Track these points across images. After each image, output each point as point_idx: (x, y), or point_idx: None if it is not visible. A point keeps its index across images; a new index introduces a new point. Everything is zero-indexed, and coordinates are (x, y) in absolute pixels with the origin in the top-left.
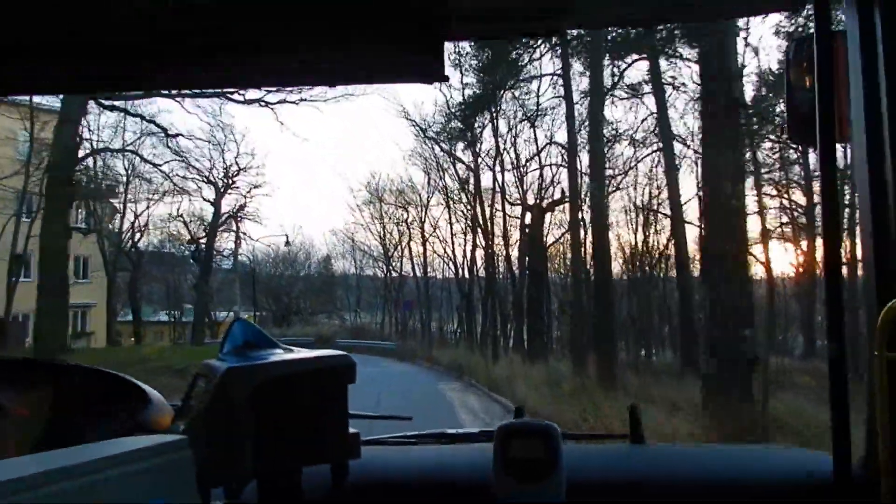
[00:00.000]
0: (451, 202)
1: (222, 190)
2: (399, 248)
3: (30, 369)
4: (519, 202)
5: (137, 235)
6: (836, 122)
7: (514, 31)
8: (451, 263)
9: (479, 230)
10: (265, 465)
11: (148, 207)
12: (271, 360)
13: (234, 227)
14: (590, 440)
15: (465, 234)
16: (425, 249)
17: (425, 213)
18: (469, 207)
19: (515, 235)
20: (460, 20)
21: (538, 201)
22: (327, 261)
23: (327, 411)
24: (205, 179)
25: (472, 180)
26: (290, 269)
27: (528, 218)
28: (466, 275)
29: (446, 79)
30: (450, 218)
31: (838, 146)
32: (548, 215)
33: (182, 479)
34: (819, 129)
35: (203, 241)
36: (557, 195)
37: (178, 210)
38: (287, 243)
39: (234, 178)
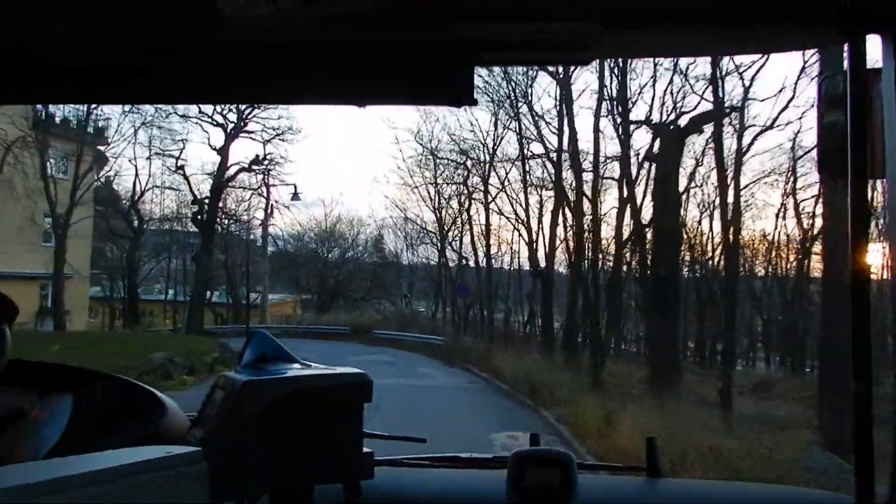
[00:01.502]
0: (524, 138)
1: (231, 133)
2: (459, 219)
3: (50, 374)
4: (639, 124)
5: (138, 194)
6: (869, 158)
7: (543, 60)
8: (522, 227)
9: (565, 186)
10: (278, 480)
11: (148, 158)
12: (287, 375)
13: (265, 192)
14: (606, 471)
15: (541, 188)
16: (488, 213)
17: (490, 165)
18: (549, 150)
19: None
20: (490, 48)
21: (666, 120)
22: (378, 240)
23: (341, 429)
24: (209, 119)
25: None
26: (337, 246)
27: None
28: (545, 250)
29: (475, 102)
30: (523, 164)
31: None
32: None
33: (194, 491)
34: (850, 164)
35: (207, 200)
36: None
37: (177, 161)
38: (295, 196)
39: (247, 120)
